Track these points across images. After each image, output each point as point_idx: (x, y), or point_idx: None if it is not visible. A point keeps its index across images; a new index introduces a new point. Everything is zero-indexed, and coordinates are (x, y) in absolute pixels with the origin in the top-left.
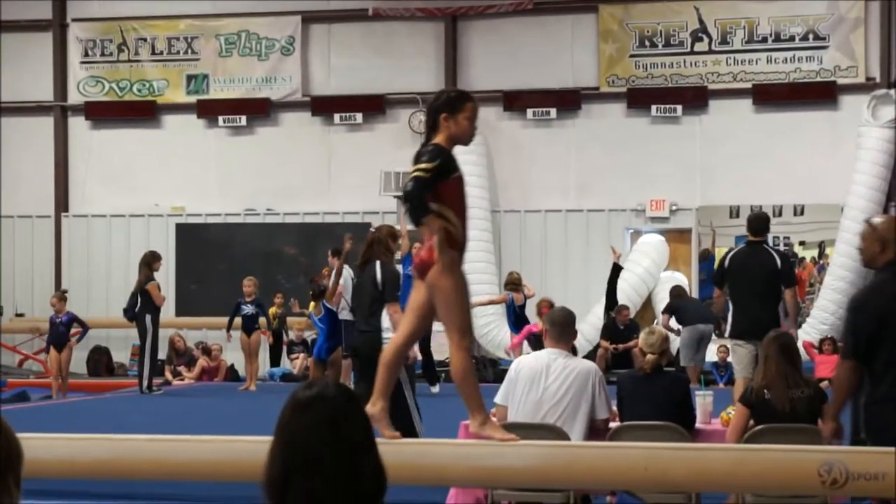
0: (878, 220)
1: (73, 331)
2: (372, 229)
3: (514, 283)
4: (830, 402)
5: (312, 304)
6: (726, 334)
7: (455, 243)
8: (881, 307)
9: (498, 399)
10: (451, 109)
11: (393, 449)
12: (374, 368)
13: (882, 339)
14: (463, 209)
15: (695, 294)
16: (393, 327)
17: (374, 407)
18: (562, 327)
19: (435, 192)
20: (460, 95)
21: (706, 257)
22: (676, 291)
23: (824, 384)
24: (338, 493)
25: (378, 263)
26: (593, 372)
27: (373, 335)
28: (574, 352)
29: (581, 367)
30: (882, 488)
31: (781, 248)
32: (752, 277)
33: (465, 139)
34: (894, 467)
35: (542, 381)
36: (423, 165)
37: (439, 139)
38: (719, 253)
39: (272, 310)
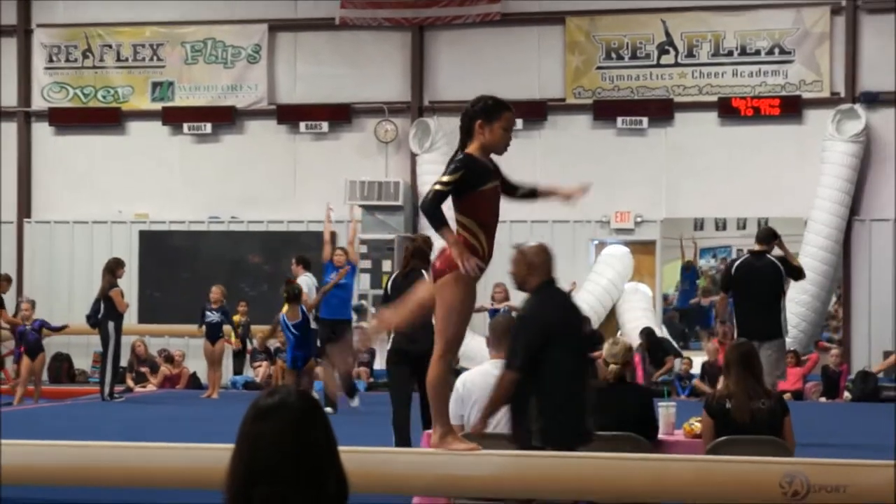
0: (526, 246)
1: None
2: (410, 238)
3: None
4: (485, 406)
5: (286, 306)
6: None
7: (477, 256)
8: (545, 324)
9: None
10: (487, 117)
11: (356, 457)
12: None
13: (545, 353)
14: (492, 222)
15: (674, 303)
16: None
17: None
18: (504, 334)
19: (464, 203)
20: (497, 104)
21: (689, 268)
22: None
23: (786, 396)
24: (300, 500)
25: (424, 272)
26: None
27: (426, 333)
28: None
29: None
30: (842, 500)
31: (738, 257)
32: (757, 283)
33: (500, 148)
34: (862, 479)
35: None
36: (444, 178)
37: (472, 147)
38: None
39: (236, 318)
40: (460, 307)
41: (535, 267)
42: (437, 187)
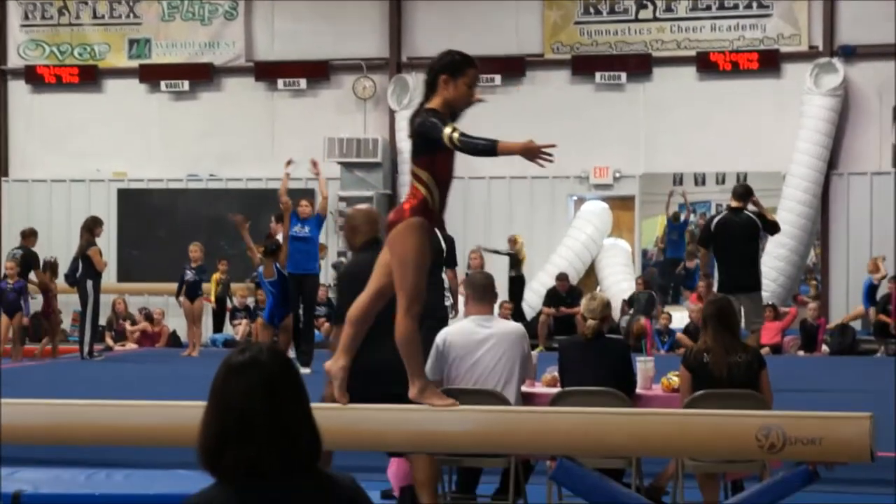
0: (350, 210)
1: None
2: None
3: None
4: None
5: (263, 264)
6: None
7: (429, 213)
8: (363, 279)
9: (428, 373)
10: (452, 72)
11: (333, 414)
12: (440, 324)
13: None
14: (448, 180)
15: (653, 259)
16: (452, 293)
17: (336, 364)
18: (483, 290)
19: (424, 158)
20: (464, 59)
21: (676, 219)
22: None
23: (765, 350)
24: (272, 458)
25: (437, 231)
26: (522, 334)
27: (438, 292)
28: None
29: (513, 331)
30: (818, 453)
31: (717, 213)
32: (735, 238)
33: (463, 104)
34: (838, 432)
35: (474, 349)
36: (447, 129)
37: (435, 102)
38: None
39: (216, 276)
40: (415, 256)
41: (359, 229)
42: (455, 134)
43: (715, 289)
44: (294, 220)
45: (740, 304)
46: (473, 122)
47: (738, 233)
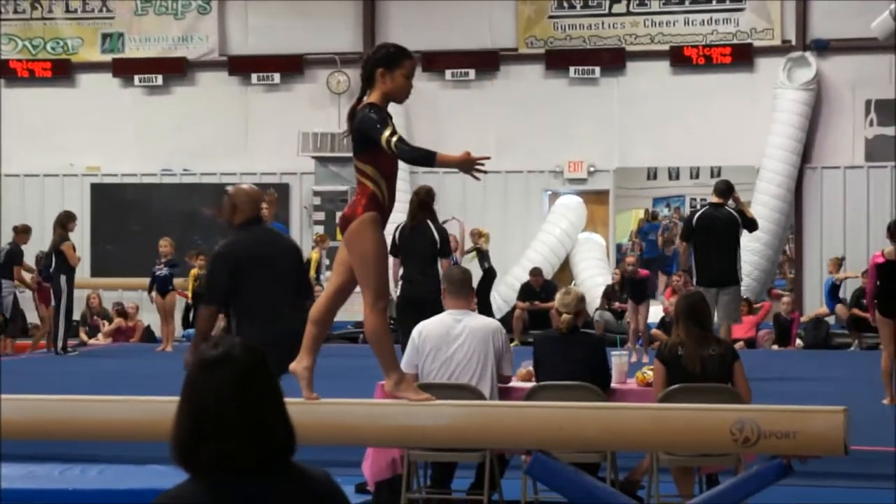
0: (231, 188)
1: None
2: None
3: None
4: (192, 341)
5: None
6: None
7: (379, 207)
8: (239, 258)
9: (403, 366)
10: (388, 65)
11: (307, 409)
12: (433, 311)
13: (239, 286)
14: (393, 171)
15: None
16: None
17: (300, 364)
18: (460, 284)
19: (366, 153)
20: (399, 51)
21: (655, 217)
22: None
23: (739, 344)
24: (247, 453)
25: (430, 223)
26: (497, 329)
27: (434, 280)
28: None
29: (485, 326)
30: (792, 446)
31: (698, 208)
32: (716, 233)
33: (401, 97)
34: (812, 425)
35: (449, 343)
36: (386, 132)
37: (374, 96)
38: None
39: (193, 270)
40: (374, 251)
41: (240, 207)
42: (394, 138)
43: (694, 282)
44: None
45: (718, 298)
46: (449, 116)
47: (719, 228)
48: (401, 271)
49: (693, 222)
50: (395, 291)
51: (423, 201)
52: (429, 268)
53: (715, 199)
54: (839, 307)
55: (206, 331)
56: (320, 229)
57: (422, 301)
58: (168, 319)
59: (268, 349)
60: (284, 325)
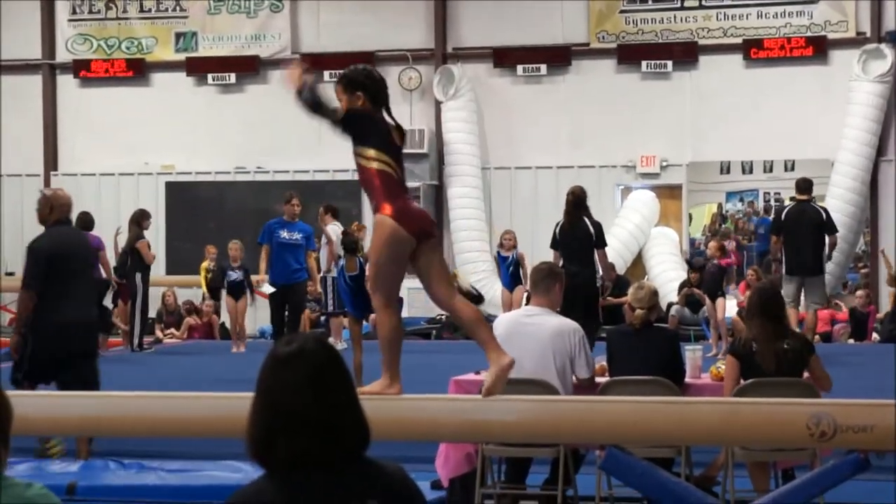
0: (48, 191)
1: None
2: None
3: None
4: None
5: (345, 258)
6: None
7: (395, 187)
8: (49, 252)
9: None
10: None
11: (382, 404)
12: (590, 303)
13: (51, 274)
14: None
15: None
16: (602, 270)
17: (392, 389)
18: (540, 282)
19: (361, 141)
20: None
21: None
22: None
23: (815, 338)
24: (321, 449)
25: (586, 219)
26: (572, 330)
27: (592, 270)
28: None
29: (559, 325)
30: (870, 441)
31: (772, 203)
32: (803, 227)
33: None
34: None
35: (520, 339)
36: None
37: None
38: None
39: (204, 264)
40: (386, 257)
41: (55, 209)
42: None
43: (783, 270)
44: (280, 224)
45: (804, 284)
46: (521, 112)
47: (806, 221)
48: (560, 262)
49: (782, 217)
50: None
51: (579, 199)
52: (586, 259)
53: (799, 196)
54: None
55: (27, 312)
56: None
57: (580, 290)
58: (240, 321)
59: (60, 330)
60: (76, 312)
